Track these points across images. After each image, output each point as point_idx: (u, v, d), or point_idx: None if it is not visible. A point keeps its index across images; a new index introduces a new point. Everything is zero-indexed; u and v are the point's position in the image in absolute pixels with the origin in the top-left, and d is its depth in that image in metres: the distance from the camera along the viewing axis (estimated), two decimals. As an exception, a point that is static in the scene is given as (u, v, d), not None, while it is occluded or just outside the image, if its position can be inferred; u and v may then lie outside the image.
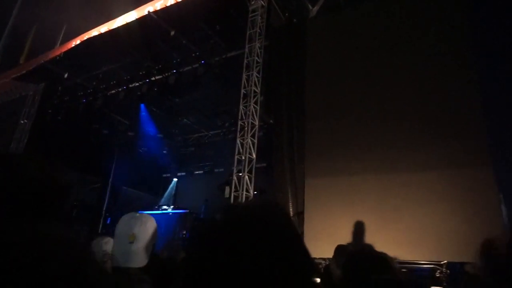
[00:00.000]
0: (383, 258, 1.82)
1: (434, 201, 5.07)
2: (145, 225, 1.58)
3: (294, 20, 8.03)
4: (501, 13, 5.51)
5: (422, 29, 6.15)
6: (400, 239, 5.05)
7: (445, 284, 4.56)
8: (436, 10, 6.13)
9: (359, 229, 5.39)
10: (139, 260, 1.51)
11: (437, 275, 4.68)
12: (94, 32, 10.66)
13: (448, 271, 4.64)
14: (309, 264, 0.64)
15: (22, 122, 12.43)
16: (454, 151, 5.18)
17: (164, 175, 14.80)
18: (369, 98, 6.29)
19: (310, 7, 7.99)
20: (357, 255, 2.01)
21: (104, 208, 13.61)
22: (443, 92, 5.60)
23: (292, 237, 0.65)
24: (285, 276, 0.57)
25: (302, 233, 6.28)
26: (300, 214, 6.58)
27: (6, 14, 15.02)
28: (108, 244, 2.95)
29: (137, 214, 1.63)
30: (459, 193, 4.95)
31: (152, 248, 1.59)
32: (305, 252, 0.65)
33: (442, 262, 4.76)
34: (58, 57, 11.42)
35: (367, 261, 1.77)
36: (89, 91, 12.12)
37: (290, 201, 6.82)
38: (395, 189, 5.50)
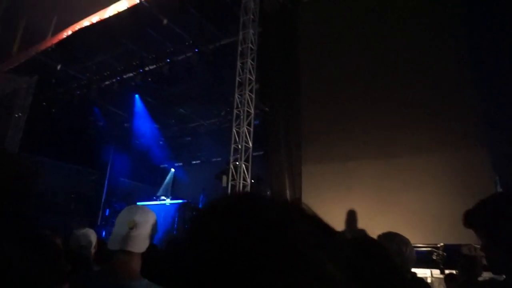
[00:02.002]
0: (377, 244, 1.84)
1: (431, 184, 5.09)
2: (146, 214, 1.57)
3: (288, 4, 7.90)
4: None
5: (419, 12, 6.07)
6: (398, 223, 5.07)
7: (442, 266, 4.59)
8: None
9: (356, 215, 5.41)
10: (138, 245, 1.49)
11: (434, 258, 4.72)
12: (86, 22, 10.49)
13: (445, 253, 4.67)
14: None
15: (16, 115, 12.32)
16: (449, 134, 5.17)
17: (161, 166, 14.79)
18: (364, 83, 6.24)
19: (304, -9, 7.86)
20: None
21: (102, 200, 13.62)
22: (438, 75, 5.56)
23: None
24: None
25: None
26: (297, 200, 6.60)
27: (-4, 5, 14.75)
28: (85, 237, 2.92)
29: (139, 206, 1.62)
30: (455, 175, 4.96)
31: (151, 238, 1.58)
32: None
33: (438, 245, 4.79)
34: (50, 49, 11.27)
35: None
36: (83, 82, 12.01)
37: (287, 188, 6.83)
38: (391, 173, 5.50)
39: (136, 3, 9.12)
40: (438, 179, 5.06)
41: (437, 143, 5.25)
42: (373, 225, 5.08)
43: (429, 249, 4.84)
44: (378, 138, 5.79)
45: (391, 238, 2.14)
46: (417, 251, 4.81)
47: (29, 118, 12.04)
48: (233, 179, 7.05)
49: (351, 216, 5.31)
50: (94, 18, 10.23)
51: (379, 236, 2.16)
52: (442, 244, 4.77)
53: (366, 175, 5.78)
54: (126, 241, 1.46)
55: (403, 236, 2.15)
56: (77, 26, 10.67)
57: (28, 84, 12.60)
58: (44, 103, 12.43)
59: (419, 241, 4.90)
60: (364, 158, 5.86)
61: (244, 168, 7.04)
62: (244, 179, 7.03)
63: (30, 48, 12.30)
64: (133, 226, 1.47)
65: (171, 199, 11.47)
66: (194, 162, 14.00)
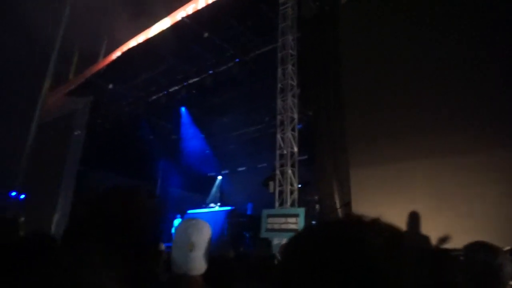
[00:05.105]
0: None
1: (490, 184, 4.75)
2: (202, 232, 1.62)
3: (326, 8, 7.82)
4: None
5: (460, 13, 5.74)
6: (456, 227, 4.79)
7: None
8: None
9: (411, 218, 5.17)
10: (199, 267, 1.57)
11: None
12: (132, 42, 11.13)
13: (512, 257, 4.33)
14: None
15: (76, 133, 13.31)
16: (507, 131, 4.81)
17: (209, 174, 15.16)
18: (410, 83, 5.99)
19: (342, -8, 7.74)
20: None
21: (155, 210, 14.19)
22: (491, 71, 5.20)
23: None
24: None
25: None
26: (347, 204, 6.46)
27: (54, 34, 16.10)
28: None
29: (193, 221, 1.67)
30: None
31: (209, 252, 1.64)
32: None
33: (505, 249, 4.45)
34: (102, 70, 12.08)
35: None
36: (131, 99, 12.70)
37: (335, 192, 6.71)
38: (446, 174, 5.21)
39: (177, 20, 9.53)
40: (499, 179, 4.70)
41: (495, 141, 4.90)
42: (429, 228, 4.85)
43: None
44: (428, 138, 5.51)
45: (476, 249, 1.82)
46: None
47: (87, 136, 12.94)
48: (280, 185, 7.07)
49: (407, 219, 5.09)
50: (140, 38, 10.82)
51: (466, 248, 1.89)
52: (508, 248, 4.43)
53: (418, 176, 5.53)
54: (188, 265, 1.54)
55: (491, 245, 1.79)
56: (125, 47, 11.34)
57: (84, 104, 13.59)
58: (99, 121, 13.28)
59: (482, 245, 4.59)
60: (415, 159, 5.61)
61: (291, 174, 7.04)
62: (291, 184, 7.02)
63: (85, 71, 13.27)
64: (192, 248, 1.54)
65: (220, 206, 11.74)
66: (240, 169, 14.20)
